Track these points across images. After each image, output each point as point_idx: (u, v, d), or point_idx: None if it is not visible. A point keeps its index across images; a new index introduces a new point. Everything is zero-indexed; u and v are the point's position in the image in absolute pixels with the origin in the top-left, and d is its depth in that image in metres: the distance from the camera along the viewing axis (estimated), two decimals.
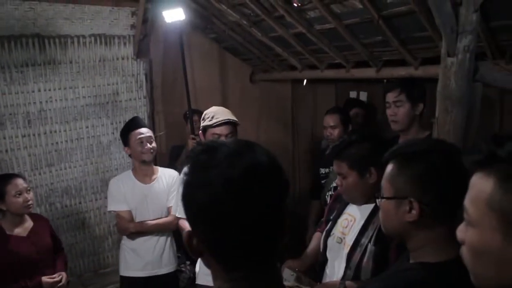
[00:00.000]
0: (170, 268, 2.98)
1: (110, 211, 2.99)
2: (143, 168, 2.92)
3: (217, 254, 0.85)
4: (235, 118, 2.52)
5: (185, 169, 0.87)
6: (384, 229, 1.34)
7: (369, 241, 1.83)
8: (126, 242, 2.91)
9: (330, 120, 3.36)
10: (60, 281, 2.59)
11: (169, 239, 2.97)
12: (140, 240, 2.87)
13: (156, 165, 3.83)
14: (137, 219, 2.86)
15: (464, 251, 0.86)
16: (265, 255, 0.87)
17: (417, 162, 1.22)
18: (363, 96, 4.13)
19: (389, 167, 1.28)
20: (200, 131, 2.56)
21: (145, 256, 2.87)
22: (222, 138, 2.44)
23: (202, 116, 2.54)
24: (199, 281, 2.68)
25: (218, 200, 0.80)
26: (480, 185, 0.81)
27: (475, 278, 0.85)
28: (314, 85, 4.58)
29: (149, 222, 2.86)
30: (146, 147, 2.85)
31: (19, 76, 3.28)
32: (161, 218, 2.91)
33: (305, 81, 4.54)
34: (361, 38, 3.00)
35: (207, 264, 0.90)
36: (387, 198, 1.28)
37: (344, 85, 4.31)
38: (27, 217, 2.63)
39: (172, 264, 3.00)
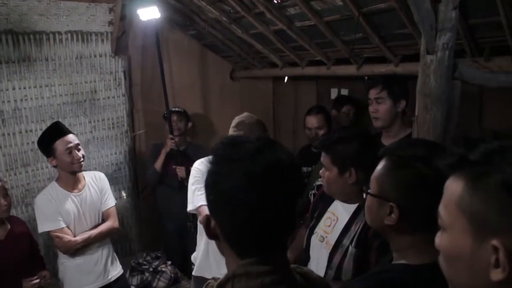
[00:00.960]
0: (119, 271, 2.87)
1: (43, 232, 2.65)
2: (71, 178, 2.66)
3: (232, 240, 0.93)
4: (259, 132, 2.41)
5: (211, 158, 0.94)
6: (368, 222, 1.35)
7: (350, 243, 1.82)
8: (68, 260, 2.66)
9: (315, 121, 3.33)
10: (41, 280, 2.53)
11: (110, 244, 2.84)
12: (86, 253, 2.67)
13: (136, 164, 3.81)
14: (76, 232, 2.64)
15: (440, 257, 0.86)
16: (276, 243, 0.95)
17: (408, 168, 1.20)
18: (344, 93, 4.12)
19: (381, 164, 1.27)
20: None
21: (95, 268, 2.71)
22: None
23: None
24: (196, 273, 2.67)
25: (238, 191, 0.87)
26: (451, 188, 0.81)
27: (451, 285, 0.85)
28: (295, 82, 4.56)
29: (93, 232, 2.67)
30: (76, 157, 2.58)
31: None
32: (98, 225, 2.75)
33: (286, 78, 4.52)
34: (341, 35, 2.99)
35: (220, 248, 0.98)
36: (371, 195, 1.28)
37: (325, 82, 4.29)
38: (4, 220, 2.55)
39: (119, 266, 2.90)
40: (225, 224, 0.92)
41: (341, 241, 1.86)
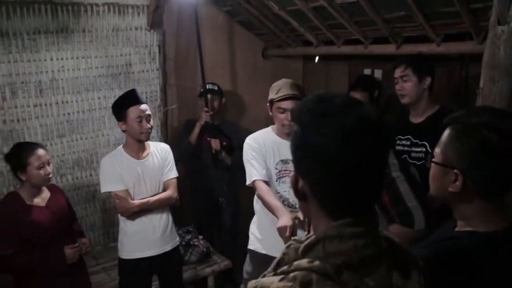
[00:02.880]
0: (174, 243, 2.90)
1: (105, 192, 2.76)
2: (137, 145, 2.73)
3: (323, 199, 0.90)
4: (298, 93, 2.46)
5: (300, 116, 0.91)
6: (431, 192, 1.33)
7: None
8: (127, 224, 2.74)
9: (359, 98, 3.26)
10: (82, 248, 2.59)
11: (169, 214, 2.88)
12: (144, 219, 2.74)
13: (167, 139, 3.83)
14: (135, 198, 2.71)
15: None
16: (368, 203, 0.92)
17: (472, 135, 1.18)
18: (378, 73, 4.06)
19: (445, 133, 1.25)
20: (268, 103, 2.52)
21: (152, 235, 2.76)
22: (287, 113, 2.41)
23: (270, 88, 2.51)
24: (251, 246, 2.68)
25: (331, 145, 0.84)
26: None
27: None
28: (327, 62, 4.50)
29: (151, 198, 2.73)
30: (145, 126, 2.64)
31: (31, 43, 3.20)
32: (159, 193, 2.79)
33: (317, 58, 4.48)
34: (383, 13, 2.94)
35: (306, 210, 0.96)
36: (436, 163, 1.27)
37: (358, 62, 4.23)
38: (44, 187, 2.59)
39: (176, 239, 2.93)
40: (316, 182, 0.89)
41: None
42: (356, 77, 3.88)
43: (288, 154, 2.44)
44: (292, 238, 1.02)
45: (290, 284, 0.82)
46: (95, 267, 3.36)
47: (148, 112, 2.68)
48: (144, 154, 2.76)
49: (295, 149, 0.92)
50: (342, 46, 3.60)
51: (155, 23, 3.69)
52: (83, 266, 2.72)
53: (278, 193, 2.53)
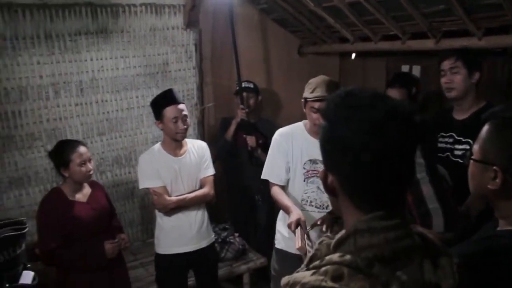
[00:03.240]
0: (210, 240, 2.93)
1: (143, 188, 2.81)
2: (173, 142, 2.76)
3: (353, 193, 0.90)
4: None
5: (327, 111, 0.92)
6: (470, 190, 1.31)
7: None
8: (164, 220, 2.80)
9: (397, 96, 3.13)
10: (121, 243, 2.64)
11: (205, 211, 2.91)
12: (180, 215, 2.77)
13: (204, 137, 3.87)
14: (172, 194, 2.75)
15: None
16: (398, 197, 0.91)
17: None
18: (416, 69, 3.97)
19: (484, 129, 1.22)
20: (302, 99, 2.48)
21: (188, 232, 2.79)
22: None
23: (307, 84, 2.47)
24: (278, 245, 2.69)
25: (358, 138, 0.84)
26: None
27: None
28: (363, 59, 4.45)
29: (188, 195, 2.76)
30: (181, 127, 2.67)
31: (72, 44, 3.32)
32: (195, 190, 2.82)
33: (353, 54, 4.42)
34: (421, 8, 2.88)
35: (337, 205, 0.95)
36: (474, 160, 1.24)
37: (395, 58, 4.16)
38: (85, 183, 2.67)
39: (210, 236, 2.96)
40: (345, 176, 0.89)
41: None
42: (393, 74, 3.82)
43: (317, 154, 2.43)
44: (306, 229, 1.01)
45: (321, 277, 0.82)
46: (133, 262, 3.44)
47: (185, 112, 2.70)
48: (182, 151, 2.80)
49: (323, 144, 0.93)
50: (379, 42, 3.53)
51: (191, 22, 3.75)
52: (121, 261, 2.78)
53: (306, 193, 2.50)
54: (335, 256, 0.85)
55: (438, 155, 2.55)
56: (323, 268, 0.84)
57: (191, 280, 3.00)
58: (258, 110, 3.94)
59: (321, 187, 2.33)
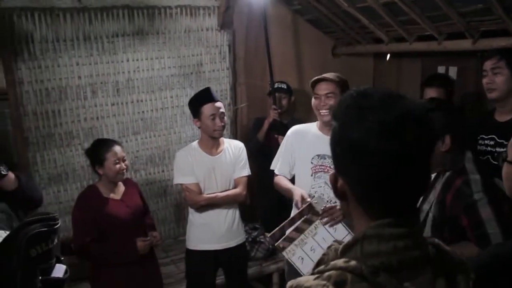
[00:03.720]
0: (240, 239, 2.94)
1: (177, 184, 2.89)
2: (210, 141, 2.81)
3: (362, 197, 0.87)
4: (335, 78, 2.47)
5: (338, 111, 0.89)
6: (506, 192, 1.29)
7: (430, 209, 1.87)
8: (195, 216, 2.84)
9: (434, 94, 3.02)
10: (153, 241, 2.69)
11: (237, 211, 2.93)
12: (211, 213, 2.81)
13: (236, 137, 3.90)
14: (205, 192, 2.78)
15: None
16: (410, 204, 0.88)
17: None
18: (453, 71, 3.88)
19: None
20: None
21: (217, 230, 2.82)
22: (322, 98, 2.44)
23: None
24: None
25: (368, 140, 0.81)
26: None
27: None
28: (398, 60, 4.38)
29: (219, 194, 2.79)
30: (218, 124, 2.72)
31: (110, 46, 3.42)
32: (228, 190, 2.85)
33: (388, 55, 4.36)
34: (458, 7, 2.81)
35: (347, 209, 0.93)
36: (508, 162, 1.23)
37: (431, 59, 4.07)
38: (120, 181, 2.74)
39: (241, 236, 2.97)
40: (355, 179, 0.86)
41: (421, 207, 1.90)
42: (428, 75, 3.75)
43: (326, 150, 2.47)
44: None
45: (324, 282, 0.80)
46: (165, 259, 3.51)
47: (222, 110, 2.75)
48: (218, 150, 2.84)
49: (334, 146, 0.90)
50: (414, 43, 3.48)
51: (225, 24, 3.79)
52: (153, 258, 2.84)
53: (313, 188, 2.53)
54: (340, 261, 0.83)
55: (478, 157, 2.48)
56: (327, 273, 0.82)
57: (221, 279, 3.03)
58: (291, 110, 3.95)
59: (329, 182, 2.38)
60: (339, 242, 0.94)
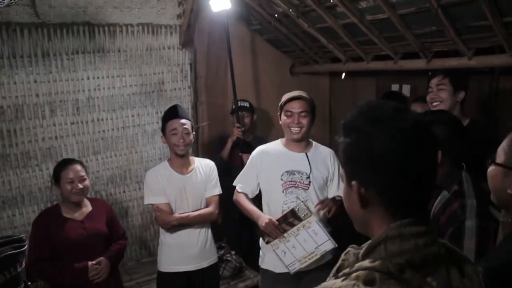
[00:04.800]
0: (212, 260, 2.90)
1: (147, 204, 2.82)
2: (180, 160, 2.78)
3: (389, 201, 0.91)
4: (307, 96, 2.58)
5: (353, 125, 0.94)
6: (491, 196, 1.33)
7: None
8: (166, 237, 2.78)
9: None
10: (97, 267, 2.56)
11: (209, 230, 2.89)
12: (183, 233, 2.75)
13: (198, 155, 3.88)
14: (176, 212, 2.74)
15: None
16: (425, 204, 0.97)
17: None
18: (406, 89, 4.07)
19: (510, 135, 1.25)
20: (278, 113, 2.65)
21: (189, 250, 2.76)
22: (295, 116, 2.49)
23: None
24: (264, 265, 2.72)
25: (395, 148, 0.87)
26: None
27: None
28: (354, 78, 4.54)
29: (191, 213, 2.74)
30: (180, 140, 2.69)
31: (70, 63, 3.33)
32: (200, 209, 2.80)
33: (343, 74, 4.51)
34: (414, 29, 2.97)
35: (361, 217, 0.96)
36: (496, 164, 1.26)
37: (386, 78, 4.25)
38: (86, 202, 2.66)
39: (214, 256, 2.93)
40: (387, 186, 0.90)
41: None
42: (383, 93, 3.91)
43: (293, 165, 2.54)
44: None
45: (353, 282, 0.83)
46: (130, 282, 3.39)
47: (186, 126, 2.73)
48: (189, 169, 2.81)
49: (352, 158, 0.94)
50: (371, 62, 3.63)
51: (186, 42, 3.79)
52: (118, 280, 2.76)
53: (286, 203, 2.56)
54: (365, 262, 0.86)
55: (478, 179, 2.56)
56: (354, 274, 0.85)
57: None
58: (252, 128, 3.98)
59: (300, 196, 2.52)
60: (356, 248, 0.97)
